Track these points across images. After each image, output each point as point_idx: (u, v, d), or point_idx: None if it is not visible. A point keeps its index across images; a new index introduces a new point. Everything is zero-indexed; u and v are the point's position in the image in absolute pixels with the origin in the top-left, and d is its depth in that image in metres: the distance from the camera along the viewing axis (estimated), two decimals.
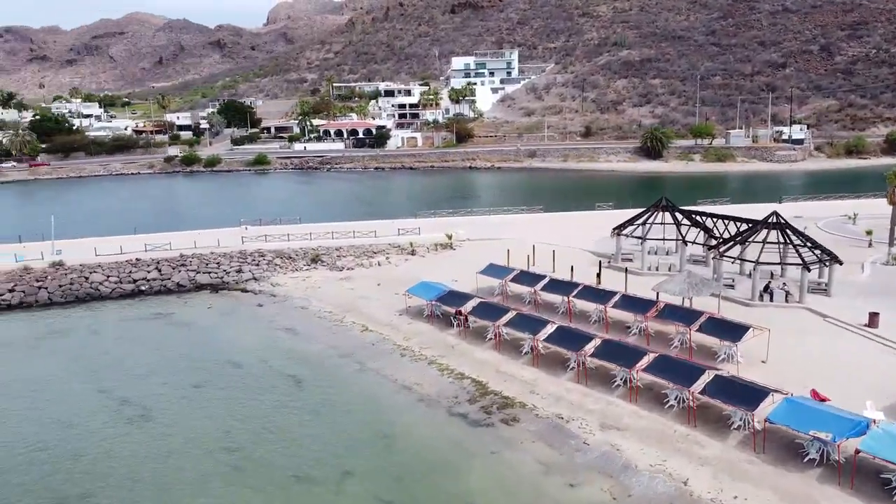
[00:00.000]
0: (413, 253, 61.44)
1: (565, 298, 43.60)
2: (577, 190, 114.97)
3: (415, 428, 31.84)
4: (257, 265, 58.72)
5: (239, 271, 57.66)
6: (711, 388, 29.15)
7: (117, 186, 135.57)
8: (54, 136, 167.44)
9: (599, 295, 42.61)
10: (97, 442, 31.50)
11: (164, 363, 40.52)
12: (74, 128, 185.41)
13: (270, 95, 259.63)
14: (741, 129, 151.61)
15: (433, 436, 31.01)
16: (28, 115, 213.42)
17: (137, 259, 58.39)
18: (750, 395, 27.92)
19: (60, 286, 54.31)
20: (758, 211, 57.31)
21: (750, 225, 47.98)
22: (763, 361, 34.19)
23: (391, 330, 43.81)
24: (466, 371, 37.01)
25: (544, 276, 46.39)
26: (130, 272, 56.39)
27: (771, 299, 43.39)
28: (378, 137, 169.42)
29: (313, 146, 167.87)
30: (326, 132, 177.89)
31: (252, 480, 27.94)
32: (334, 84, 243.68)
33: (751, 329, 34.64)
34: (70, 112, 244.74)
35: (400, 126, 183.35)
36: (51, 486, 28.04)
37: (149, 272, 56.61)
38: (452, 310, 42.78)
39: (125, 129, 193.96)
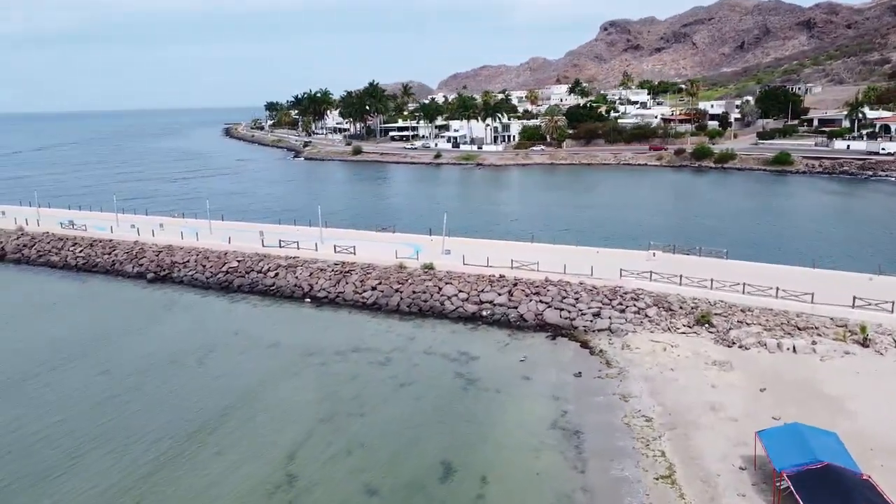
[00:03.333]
0: (864, 343, 37.23)
1: None
2: None
3: None
4: (622, 311, 44.04)
5: (597, 315, 44.20)
6: None
7: (608, 178, 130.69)
8: (583, 122, 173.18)
9: None
10: None
11: (367, 445, 31.01)
12: (609, 115, 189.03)
13: (835, 80, 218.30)
14: None
15: None
16: (586, 101, 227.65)
17: (501, 276, 50.44)
18: None
19: (414, 293, 50.40)
20: None
21: None
22: None
23: (701, 498, 25.11)
24: None
25: None
26: (481, 291, 48.81)
27: None
28: None
29: (858, 145, 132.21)
30: (885, 127, 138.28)
31: None
32: None
33: None
34: (620, 99, 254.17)
35: None
36: None
37: (499, 294, 48.06)
38: None
39: (655, 117, 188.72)
